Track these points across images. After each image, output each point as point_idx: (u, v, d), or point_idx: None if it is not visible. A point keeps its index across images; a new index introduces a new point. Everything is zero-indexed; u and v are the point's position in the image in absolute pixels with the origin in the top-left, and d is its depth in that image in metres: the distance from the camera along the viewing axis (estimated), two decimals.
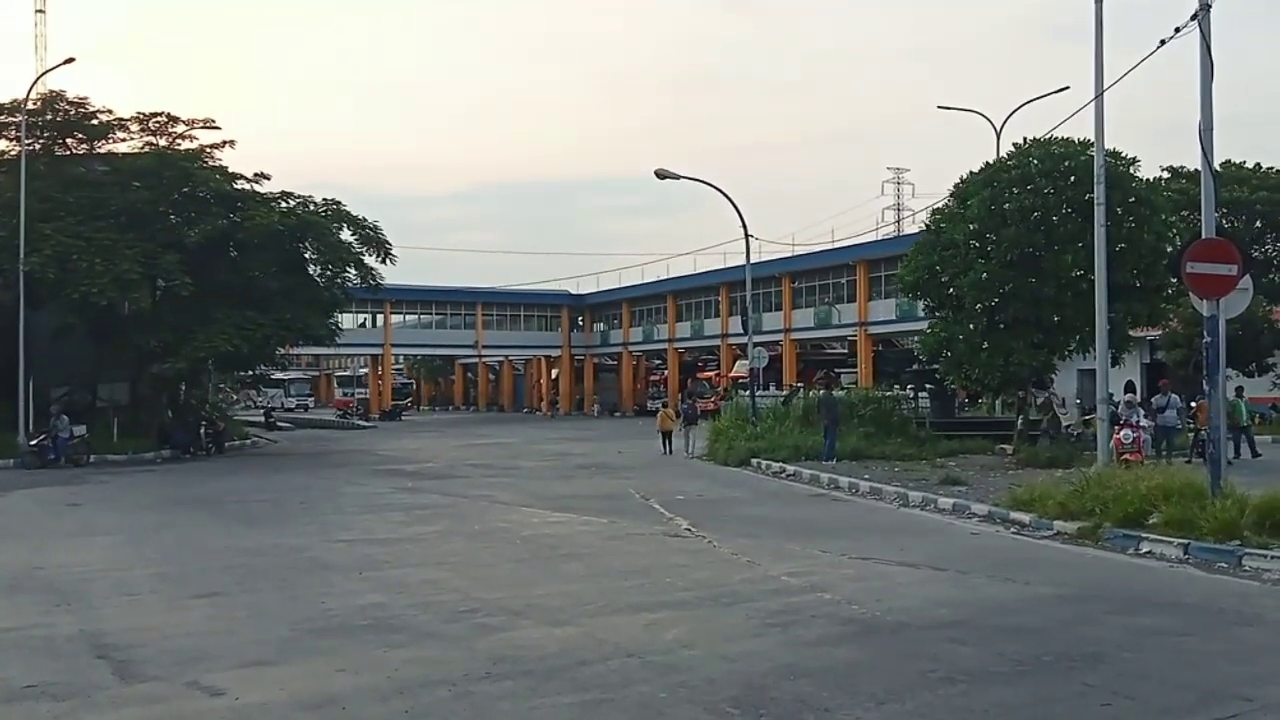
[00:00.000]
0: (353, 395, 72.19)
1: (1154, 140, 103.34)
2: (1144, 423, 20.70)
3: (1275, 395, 32.82)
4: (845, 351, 54.81)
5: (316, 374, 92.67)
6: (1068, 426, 25.21)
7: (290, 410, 67.38)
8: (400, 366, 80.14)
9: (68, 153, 33.25)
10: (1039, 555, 12.03)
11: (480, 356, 74.58)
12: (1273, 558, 10.54)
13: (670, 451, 29.29)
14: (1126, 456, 17.89)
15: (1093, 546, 12.35)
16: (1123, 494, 12.85)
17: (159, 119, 33.25)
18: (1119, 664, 7.13)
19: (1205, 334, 12.65)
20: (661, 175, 29.89)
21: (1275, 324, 32.24)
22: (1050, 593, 9.72)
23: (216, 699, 6.57)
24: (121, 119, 32.96)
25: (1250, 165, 44.29)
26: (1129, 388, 23.98)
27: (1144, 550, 11.79)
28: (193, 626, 8.66)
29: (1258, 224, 42.68)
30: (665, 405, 34.87)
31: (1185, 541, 11.42)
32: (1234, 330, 22.36)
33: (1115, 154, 21.43)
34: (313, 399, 75.38)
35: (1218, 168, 17.13)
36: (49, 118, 31.89)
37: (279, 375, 76.06)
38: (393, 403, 69.80)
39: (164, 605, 9.60)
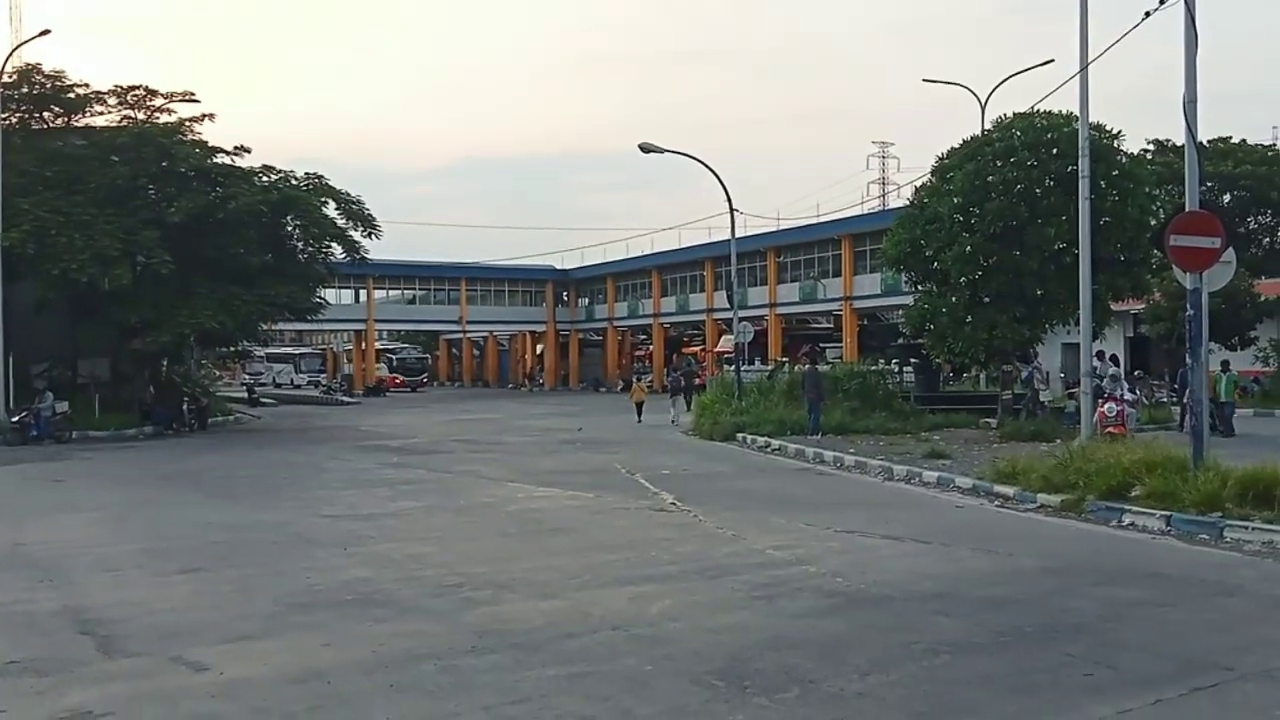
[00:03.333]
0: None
1: (1138, 114, 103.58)
2: (1128, 396, 20.77)
3: (1259, 369, 33.04)
4: (830, 326, 54.85)
5: (323, 349, 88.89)
6: (1049, 400, 25.32)
7: (298, 387, 64.54)
8: (387, 343, 79.09)
9: (44, 126, 32.84)
10: (1022, 528, 12.10)
11: (465, 332, 74.33)
12: (1254, 529, 10.63)
13: (641, 420, 31.64)
14: (1110, 430, 17.96)
15: (1076, 519, 12.42)
16: (1106, 467, 12.92)
17: (137, 92, 32.88)
18: (1101, 635, 7.18)
19: (1188, 307, 12.69)
20: (646, 149, 29.72)
21: (1258, 297, 32.44)
22: (1033, 565, 9.78)
23: (200, 674, 6.55)
24: (99, 92, 32.60)
25: (1235, 140, 44.44)
26: (1109, 359, 24.02)
27: (1126, 522, 11.88)
28: (176, 602, 8.63)
29: (1246, 197, 42.89)
30: (639, 379, 39.67)
31: (1167, 514, 11.51)
32: (1217, 303, 22.41)
33: (1099, 127, 21.45)
34: (324, 374, 72.62)
35: (1203, 142, 17.15)
36: (25, 91, 31.46)
37: (289, 350, 74.85)
38: (409, 379, 68.46)
39: (147, 581, 9.56)
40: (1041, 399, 25.11)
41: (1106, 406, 18.61)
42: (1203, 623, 7.59)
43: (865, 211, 59.34)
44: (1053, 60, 31.18)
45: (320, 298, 36.25)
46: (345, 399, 54.59)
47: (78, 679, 6.51)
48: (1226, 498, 11.31)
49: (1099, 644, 6.94)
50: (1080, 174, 17.11)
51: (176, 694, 6.20)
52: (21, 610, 8.43)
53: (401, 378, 68.68)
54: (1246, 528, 10.70)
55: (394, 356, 73.90)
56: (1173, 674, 6.31)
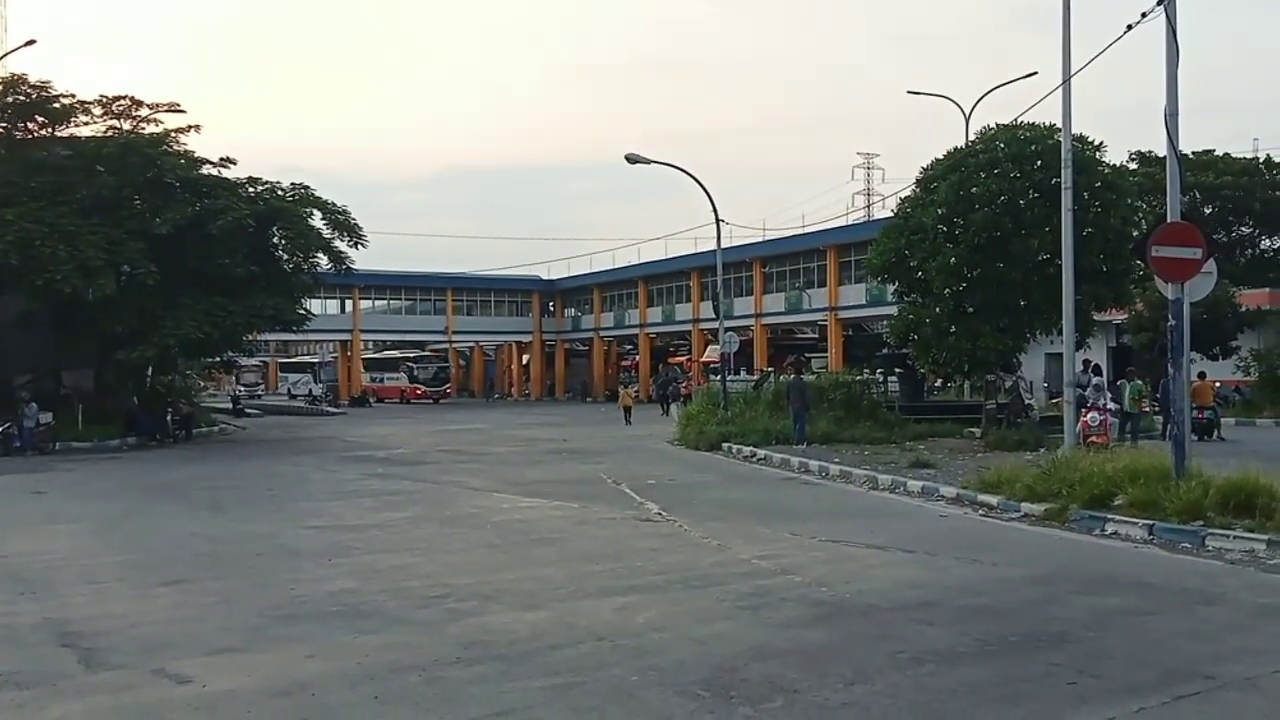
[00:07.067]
0: (381, 380, 66.50)
1: (1121, 126, 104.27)
2: (1111, 406, 20.89)
3: (1239, 378, 33.26)
4: (816, 336, 54.98)
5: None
6: (1030, 408, 25.35)
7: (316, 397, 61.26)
8: (389, 350, 77.97)
9: (29, 136, 32.68)
10: (1006, 537, 12.14)
11: (451, 342, 74.19)
12: (1235, 538, 10.69)
13: (630, 423, 35.03)
14: (1093, 439, 18.07)
15: (1059, 528, 12.47)
16: (1089, 476, 12.99)
17: (122, 102, 32.70)
18: (1084, 644, 7.20)
19: (1170, 317, 12.76)
20: (632, 160, 29.79)
21: (1239, 307, 32.66)
22: (1017, 574, 9.81)
23: (184, 686, 6.52)
24: (84, 102, 32.40)
25: (1217, 152, 44.82)
26: (1094, 370, 24.14)
27: (1109, 531, 11.93)
28: (160, 614, 8.58)
29: (1227, 207, 43.27)
30: (626, 386, 44.14)
31: (1150, 522, 11.56)
32: (1198, 314, 22.60)
33: (1082, 139, 21.56)
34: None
35: (1185, 153, 17.25)
36: (10, 100, 31.31)
37: (308, 359, 72.97)
38: (431, 389, 64.87)
39: (130, 593, 9.50)
40: (1029, 406, 25.14)
41: (1090, 416, 18.72)
42: (1185, 631, 7.62)
43: (850, 222, 59.68)
44: (1036, 73, 31.57)
45: (306, 309, 36.15)
46: (331, 409, 54.35)
47: (59, 692, 6.47)
48: (1208, 507, 11.37)
49: (1083, 653, 6.96)
50: (1063, 185, 17.19)
51: (159, 707, 6.17)
52: (2, 623, 8.36)
53: (423, 388, 64.78)
54: (1228, 536, 10.76)
55: (414, 365, 68.71)
56: (1156, 682, 6.34)
